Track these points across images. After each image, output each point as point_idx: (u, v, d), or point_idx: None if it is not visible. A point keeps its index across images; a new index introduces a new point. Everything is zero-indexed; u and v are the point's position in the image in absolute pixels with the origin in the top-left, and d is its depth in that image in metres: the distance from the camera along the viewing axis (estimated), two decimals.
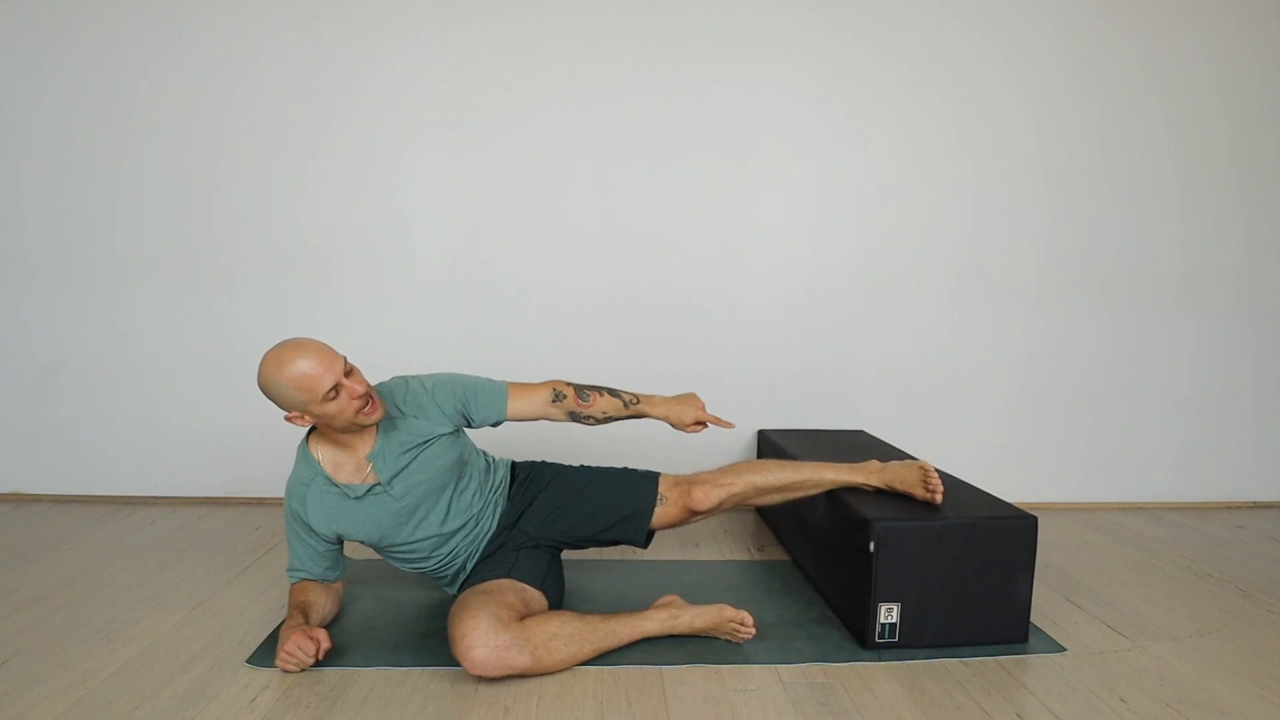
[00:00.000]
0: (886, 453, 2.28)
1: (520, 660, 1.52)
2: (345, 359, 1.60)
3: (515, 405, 1.79)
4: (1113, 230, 2.88)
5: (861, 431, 2.74)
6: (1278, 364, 2.99)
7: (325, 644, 1.59)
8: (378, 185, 2.73)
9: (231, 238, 2.70)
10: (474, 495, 1.80)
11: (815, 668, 1.66)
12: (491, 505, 1.84)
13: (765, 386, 2.84)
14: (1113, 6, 2.79)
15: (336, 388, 1.55)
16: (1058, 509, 2.89)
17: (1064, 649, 1.76)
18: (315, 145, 2.69)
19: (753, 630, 1.72)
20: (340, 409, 1.57)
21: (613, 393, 1.85)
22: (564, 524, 1.84)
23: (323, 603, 1.74)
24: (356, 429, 1.63)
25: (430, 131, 2.71)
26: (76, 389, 2.74)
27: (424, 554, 1.78)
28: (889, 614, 1.72)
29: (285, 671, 1.57)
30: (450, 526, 1.76)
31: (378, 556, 2.19)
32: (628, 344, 2.79)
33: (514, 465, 1.95)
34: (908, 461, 1.91)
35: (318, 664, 1.60)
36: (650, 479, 1.85)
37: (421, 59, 2.69)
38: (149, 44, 2.63)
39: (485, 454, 1.93)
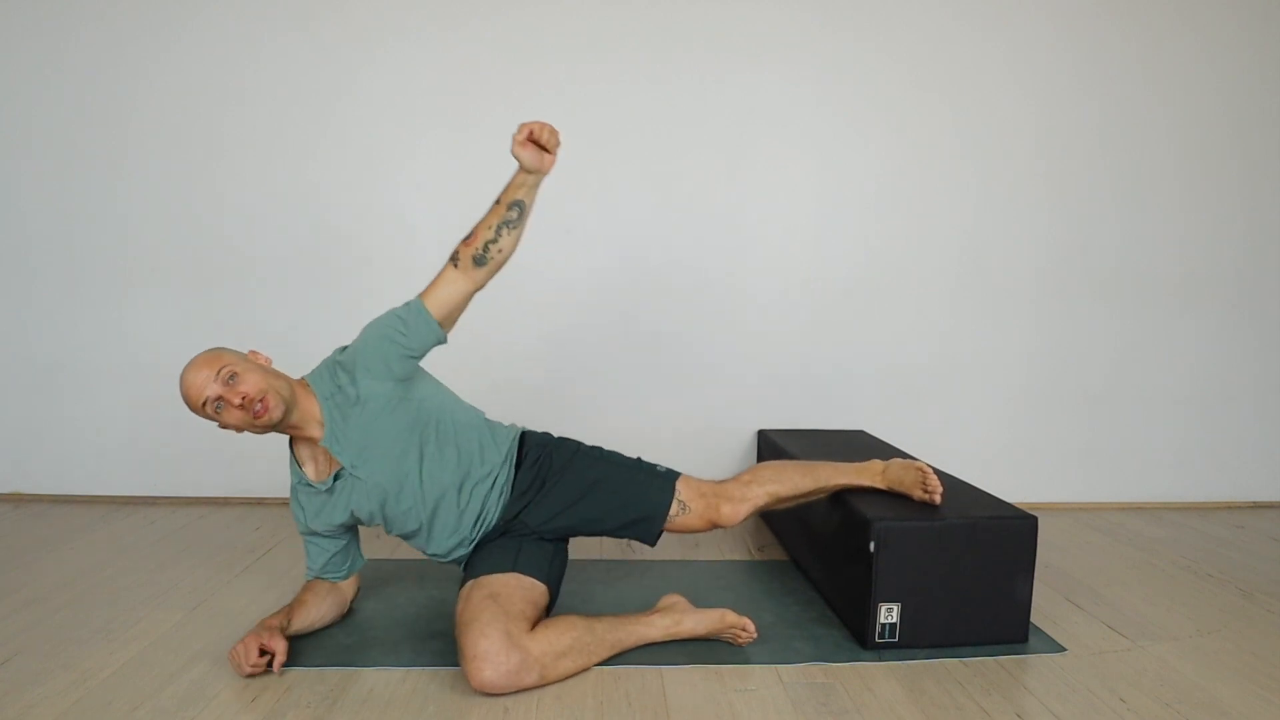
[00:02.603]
0: (886, 453, 2.27)
1: (528, 680, 1.50)
2: (229, 366, 1.55)
3: (437, 304, 1.68)
4: (1113, 230, 2.88)
5: (861, 431, 2.74)
6: (1278, 364, 2.99)
7: (280, 657, 1.53)
8: (378, 185, 2.73)
9: (232, 237, 2.70)
10: (455, 465, 1.70)
11: (815, 668, 1.66)
12: (487, 483, 1.73)
13: (765, 386, 2.84)
14: (1112, 6, 2.79)
15: (219, 400, 1.53)
16: (1058, 509, 2.89)
17: (1064, 649, 1.76)
18: (315, 146, 2.69)
19: (754, 635, 1.72)
20: (234, 419, 1.55)
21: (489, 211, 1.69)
22: (572, 520, 1.77)
23: (316, 604, 1.72)
24: (264, 430, 1.59)
25: (430, 131, 2.71)
26: (76, 389, 2.74)
27: (417, 527, 1.71)
28: (889, 614, 1.72)
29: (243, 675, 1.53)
30: (430, 495, 1.68)
31: (377, 556, 2.19)
32: (628, 344, 2.80)
33: (523, 437, 1.84)
34: (906, 462, 1.91)
35: (321, 665, 1.60)
36: (668, 482, 1.80)
37: (422, 59, 2.69)
38: (149, 44, 2.63)
39: (487, 427, 1.79)
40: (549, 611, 1.72)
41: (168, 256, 2.70)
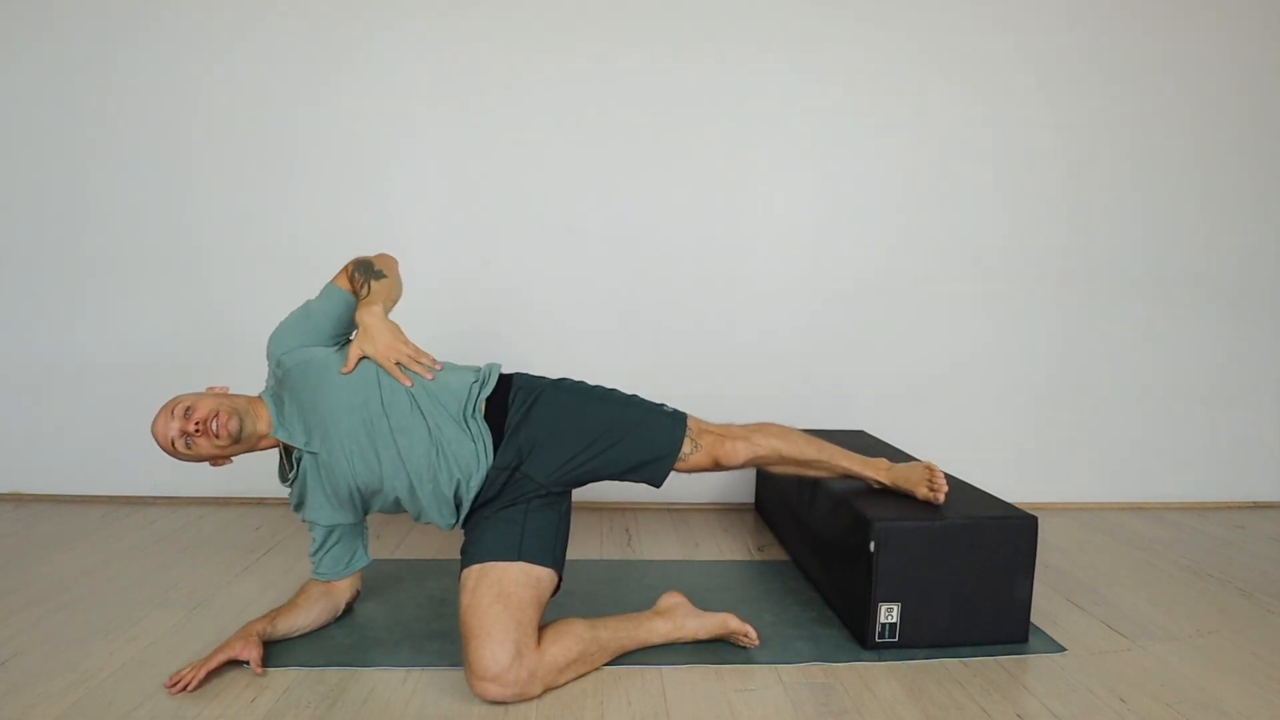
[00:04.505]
0: (888, 453, 2.27)
1: (532, 693, 1.50)
2: (182, 403, 1.61)
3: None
4: (1112, 231, 2.88)
5: (861, 431, 2.74)
6: (1278, 364, 2.99)
7: (255, 667, 1.54)
8: (376, 185, 2.73)
9: (231, 237, 2.70)
10: (409, 414, 1.64)
11: (815, 668, 1.66)
12: (454, 428, 1.65)
13: (765, 386, 2.83)
14: (1125, 2, 2.78)
15: (184, 435, 1.59)
16: (1058, 509, 2.89)
17: (1064, 649, 1.76)
18: (313, 145, 2.69)
19: (756, 642, 1.72)
20: (206, 448, 1.61)
21: (368, 277, 1.77)
22: (583, 469, 1.70)
23: (306, 609, 1.71)
24: (234, 444, 1.63)
25: (427, 130, 2.70)
26: (76, 389, 2.73)
27: (402, 494, 1.67)
28: (889, 614, 1.72)
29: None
30: (396, 454, 1.63)
31: (378, 557, 2.19)
32: (628, 344, 2.79)
33: (509, 379, 1.77)
34: (914, 463, 1.91)
35: (321, 665, 1.60)
36: (679, 422, 1.75)
37: (415, 53, 2.68)
38: (141, 42, 2.63)
39: (448, 371, 1.73)
40: (558, 587, 1.68)
41: (167, 256, 2.70)
